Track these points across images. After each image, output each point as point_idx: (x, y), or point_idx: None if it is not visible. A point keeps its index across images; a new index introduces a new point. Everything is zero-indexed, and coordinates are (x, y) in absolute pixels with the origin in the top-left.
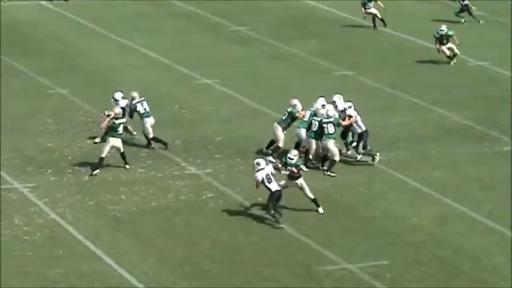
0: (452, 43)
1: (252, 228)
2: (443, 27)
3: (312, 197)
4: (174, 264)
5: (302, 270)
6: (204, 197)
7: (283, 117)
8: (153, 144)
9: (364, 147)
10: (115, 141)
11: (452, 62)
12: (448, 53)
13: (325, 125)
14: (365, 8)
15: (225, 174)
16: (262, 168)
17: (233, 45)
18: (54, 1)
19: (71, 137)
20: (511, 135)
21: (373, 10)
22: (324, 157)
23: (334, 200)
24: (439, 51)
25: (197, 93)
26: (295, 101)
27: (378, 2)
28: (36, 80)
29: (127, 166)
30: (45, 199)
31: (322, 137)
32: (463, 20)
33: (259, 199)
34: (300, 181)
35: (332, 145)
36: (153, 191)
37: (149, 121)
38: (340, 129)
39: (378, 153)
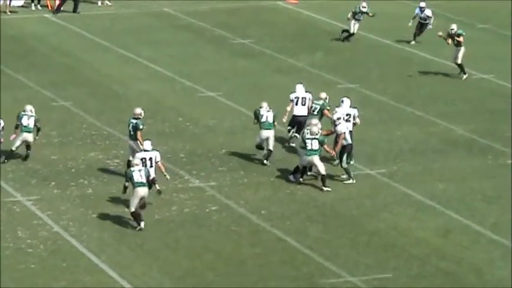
0: (461, 46)
1: (256, 241)
2: (454, 26)
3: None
4: (177, 276)
5: (306, 283)
6: (207, 210)
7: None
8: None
9: (347, 160)
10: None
11: (464, 77)
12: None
13: (308, 141)
14: (354, 18)
15: (229, 187)
16: (147, 150)
17: (237, 58)
18: (59, 14)
19: (75, 149)
20: None
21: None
22: (302, 168)
23: (339, 212)
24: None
25: (201, 106)
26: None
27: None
28: (40, 93)
29: None
30: (49, 212)
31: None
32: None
33: (263, 212)
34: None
35: (318, 160)
36: (157, 204)
37: (27, 136)
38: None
39: (350, 180)
